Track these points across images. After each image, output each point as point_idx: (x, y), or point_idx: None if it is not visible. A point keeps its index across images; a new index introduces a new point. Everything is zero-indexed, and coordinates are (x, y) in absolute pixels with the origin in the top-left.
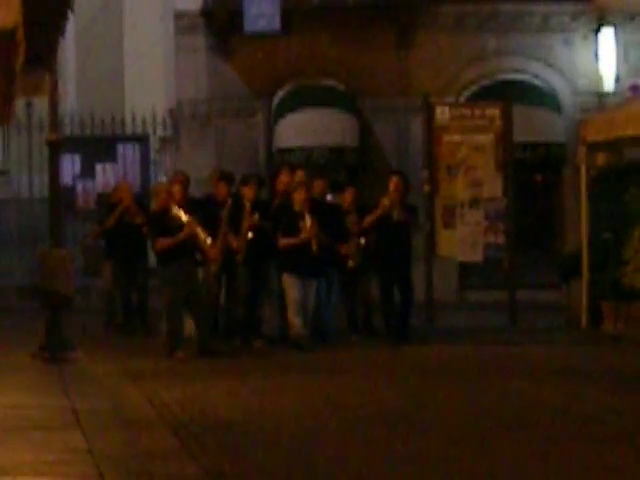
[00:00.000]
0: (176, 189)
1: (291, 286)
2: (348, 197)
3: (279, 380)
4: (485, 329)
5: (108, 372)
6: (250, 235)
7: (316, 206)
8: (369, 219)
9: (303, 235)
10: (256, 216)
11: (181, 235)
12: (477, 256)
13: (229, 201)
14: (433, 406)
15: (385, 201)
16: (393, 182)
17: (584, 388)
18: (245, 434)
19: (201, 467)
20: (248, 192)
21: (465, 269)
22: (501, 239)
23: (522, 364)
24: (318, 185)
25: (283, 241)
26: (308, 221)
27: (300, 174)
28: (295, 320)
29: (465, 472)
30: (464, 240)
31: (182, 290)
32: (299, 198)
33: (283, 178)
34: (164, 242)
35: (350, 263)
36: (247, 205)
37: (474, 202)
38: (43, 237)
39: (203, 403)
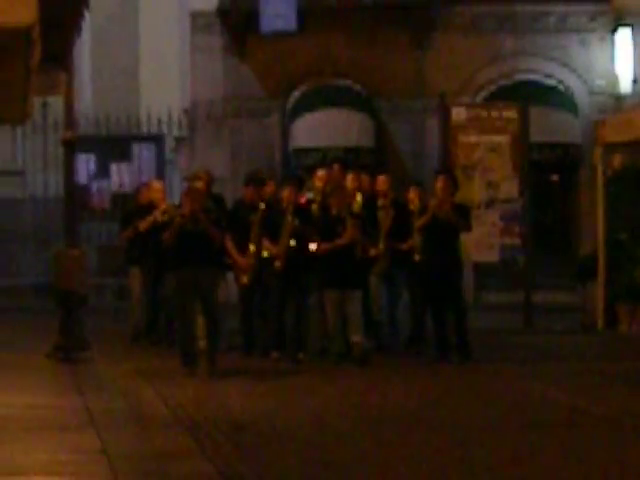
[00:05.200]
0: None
1: (327, 301)
2: (413, 196)
3: (294, 382)
4: (500, 330)
5: (122, 372)
6: (292, 243)
7: (370, 205)
8: (420, 222)
9: (342, 240)
10: (296, 221)
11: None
12: (493, 257)
13: (262, 206)
14: (449, 407)
15: (433, 201)
16: (441, 181)
17: (600, 390)
18: (259, 434)
19: (215, 467)
20: (288, 194)
21: (481, 270)
22: (517, 240)
23: (537, 366)
24: (382, 181)
25: (322, 247)
26: (349, 225)
27: (349, 177)
28: (333, 336)
29: (482, 472)
30: (480, 241)
31: (190, 298)
32: (336, 202)
33: (327, 174)
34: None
35: (417, 257)
36: (289, 208)
37: (490, 203)
38: (58, 236)
39: (217, 403)
